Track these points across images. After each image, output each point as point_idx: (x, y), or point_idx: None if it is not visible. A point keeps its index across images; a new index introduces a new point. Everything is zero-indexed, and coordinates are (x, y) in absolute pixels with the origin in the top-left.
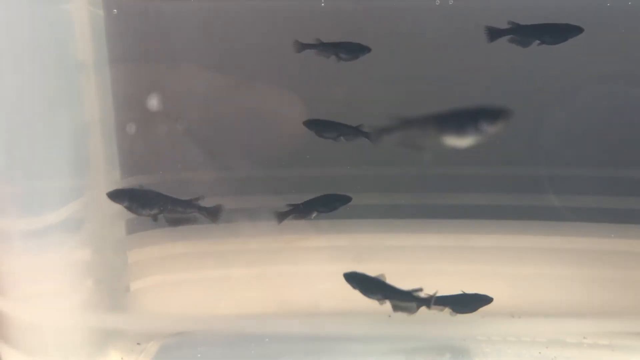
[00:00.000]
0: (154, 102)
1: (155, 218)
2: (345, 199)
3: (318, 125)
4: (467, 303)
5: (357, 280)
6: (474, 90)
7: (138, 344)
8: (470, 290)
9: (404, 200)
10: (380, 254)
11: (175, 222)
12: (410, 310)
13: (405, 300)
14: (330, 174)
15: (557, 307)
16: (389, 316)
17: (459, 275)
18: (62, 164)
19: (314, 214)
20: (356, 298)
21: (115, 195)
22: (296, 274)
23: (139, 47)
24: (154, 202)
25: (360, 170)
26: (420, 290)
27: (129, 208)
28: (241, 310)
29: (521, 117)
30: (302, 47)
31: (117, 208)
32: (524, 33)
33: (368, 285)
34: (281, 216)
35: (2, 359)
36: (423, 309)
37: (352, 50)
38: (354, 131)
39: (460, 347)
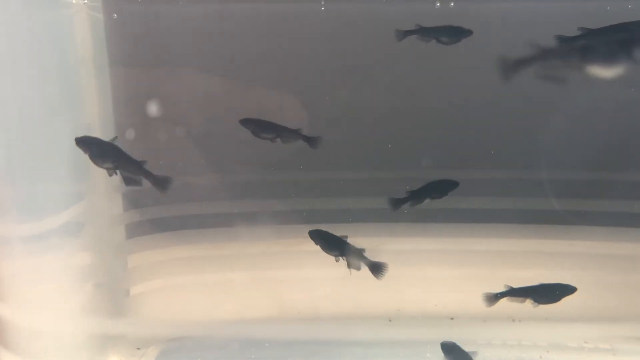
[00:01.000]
0: (153, 106)
1: (110, 173)
2: (455, 184)
3: (255, 125)
4: (549, 293)
5: (319, 236)
6: (471, 93)
7: (138, 348)
8: (468, 293)
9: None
10: (379, 258)
11: (128, 182)
12: (358, 267)
13: (358, 257)
14: (330, 178)
15: (558, 311)
16: (389, 320)
17: (458, 279)
18: (62, 168)
19: (426, 200)
20: (356, 302)
21: (81, 142)
22: (296, 278)
23: (139, 51)
24: (111, 157)
25: (359, 174)
26: (364, 250)
27: (90, 157)
28: (241, 315)
29: (521, 119)
30: (403, 34)
31: (117, 212)
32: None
33: (328, 242)
34: (397, 203)
35: None
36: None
37: (454, 33)
38: (292, 134)
39: None
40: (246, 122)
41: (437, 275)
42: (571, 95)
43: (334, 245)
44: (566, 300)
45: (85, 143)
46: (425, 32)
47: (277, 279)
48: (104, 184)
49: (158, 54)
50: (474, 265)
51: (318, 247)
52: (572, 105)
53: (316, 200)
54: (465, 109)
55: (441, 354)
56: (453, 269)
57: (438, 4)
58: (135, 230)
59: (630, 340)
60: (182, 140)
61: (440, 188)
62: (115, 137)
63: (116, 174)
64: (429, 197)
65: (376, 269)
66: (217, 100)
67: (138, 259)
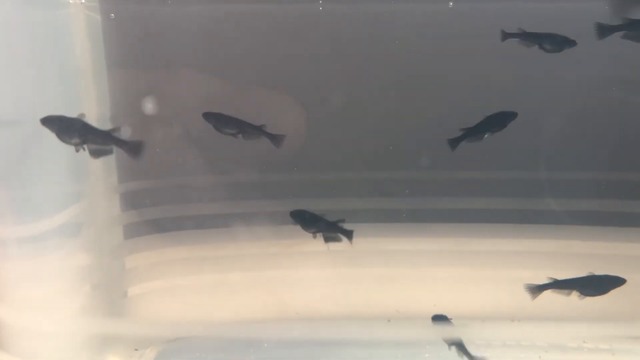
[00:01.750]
0: (151, 106)
1: (77, 148)
2: (513, 115)
3: (218, 120)
4: (597, 285)
5: (299, 216)
6: (472, 94)
7: (136, 349)
8: (467, 293)
9: (401, 204)
10: (378, 258)
11: (96, 154)
12: (337, 239)
13: (332, 230)
14: (328, 179)
15: (556, 312)
16: (388, 321)
17: (457, 280)
18: (60, 169)
19: (486, 135)
20: (355, 303)
21: (46, 121)
22: (295, 279)
23: (137, 52)
24: (77, 131)
25: (357, 174)
26: (343, 220)
27: (57, 135)
28: (240, 316)
29: (520, 120)
30: (506, 36)
31: (115, 213)
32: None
33: (305, 220)
34: (454, 142)
35: None
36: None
37: (558, 42)
38: (256, 130)
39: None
40: (208, 116)
41: (436, 275)
42: (567, 97)
43: (311, 222)
44: (565, 300)
45: (50, 121)
46: (528, 38)
47: (276, 280)
48: (102, 185)
49: (156, 53)
50: (472, 266)
51: (315, 248)
52: (568, 105)
53: (314, 201)
54: (464, 109)
55: (440, 354)
56: (452, 270)
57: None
58: (133, 231)
59: (629, 340)
60: (180, 140)
61: (498, 120)
62: (83, 114)
63: (83, 149)
64: (487, 132)
65: (348, 235)
66: (214, 101)
67: (136, 260)
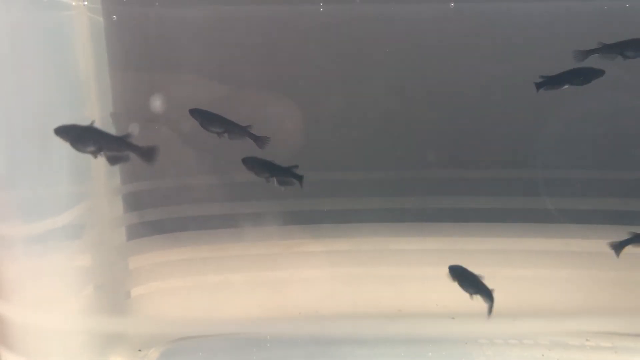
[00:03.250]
0: (154, 107)
1: (95, 155)
2: (600, 72)
3: (203, 117)
4: (580, 76)
5: (251, 162)
6: (471, 93)
7: (139, 350)
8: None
9: (404, 204)
10: (380, 258)
11: (113, 161)
12: (290, 184)
13: (284, 175)
14: (330, 178)
15: (559, 310)
16: (391, 320)
17: None
18: (63, 170)
19: (566, 86)
20: (357, 302)
21: (60, 131)
22: (297, 279)
23: (139, 54)
24: (92, 139)
25: (359, 174)
26: (296, 166)
27: (71, 144)
28: (243, 316)
29: (521, 120)
30: (585, 54)
31: (117, 214)
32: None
33: (258, 166)
34: (537, 86)
35: None
36: None
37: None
38: (241, 130)
39: (462, 350)
40: (195, 113)
41: (438, 274)
42: (567, 96)
43: (263, 168)
44: (567, 298)
45: (64, 131)
46: (609, 49)
47: (278, 280)
48: (105, 186)
49: (158, 55)
50: (474, 265)
51: (318, 248)
52: (568, 104)
53: (316, 201)
54: (465, 109)
55: (443, 352)
56: None
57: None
58: (136, 232)
59: (632, 337)
60: (183, 141)
61: (583, 74)
62: (93, 121)
63: (101, 155)
64: (569, 83)
65: (299, 179)
66: (217, 102)
67: (139, 260)
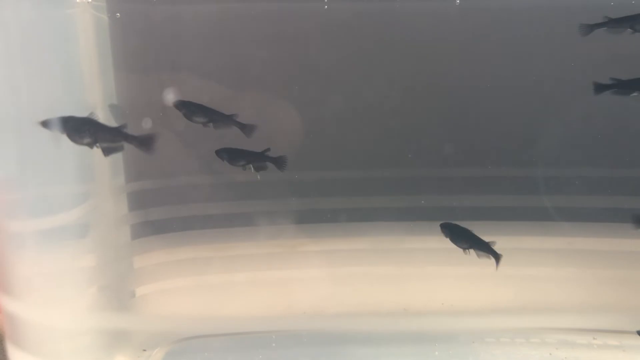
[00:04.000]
0: (158, 106)
1: (91, 146)
2: None
3: (188, 108)
4: None
5: (226, 152)
6: (474, 90)
7: (144, 350)
8: (475, 291)
9: (409, 203)
10: (386, 257)
11: (107, 151)
12: (265, 168)
13: (260, 160)
14: (333, 178)
15: (566, 308)
16: (396, 319)
17: (465, 278)
18: (68, 169)
19: (635, 94)
20: (362, 302)
21: (55, 124)
22: (302, 279)
23: (143, 51)
24: (88, 130)
25: (362, 173)
26: (268, 149)
27: (68, 136)
28: (247, 316)
29: (524, 118)
30: (590, 28)
31: (122, 213)
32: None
33: (233, 155)
34: (599, 88)
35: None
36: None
37: None
38: (226, 119)
39: (468, 349)
40: (178, 105)
41: (444, 273)
42: (568, 95)
43: (238, 156)
44: (574, 297)
45: (60, 123)
46: (616, 23)
47: (283, 279)
48: (110, 185)
49: (162, 52)
50: (479, 264)
51: (321, 247)
52: (570, 103)
53: (320, 201)
54: (470, 108)
55: (449, 351)
56: (460, 268)
57: (458, 2)
58: (141, 231)
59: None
60: (187, 140)
61: None
62: (91, 113)
63: (97, 146)
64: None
65: (276, 162)
66: (221, 99)
67: (144, 260)
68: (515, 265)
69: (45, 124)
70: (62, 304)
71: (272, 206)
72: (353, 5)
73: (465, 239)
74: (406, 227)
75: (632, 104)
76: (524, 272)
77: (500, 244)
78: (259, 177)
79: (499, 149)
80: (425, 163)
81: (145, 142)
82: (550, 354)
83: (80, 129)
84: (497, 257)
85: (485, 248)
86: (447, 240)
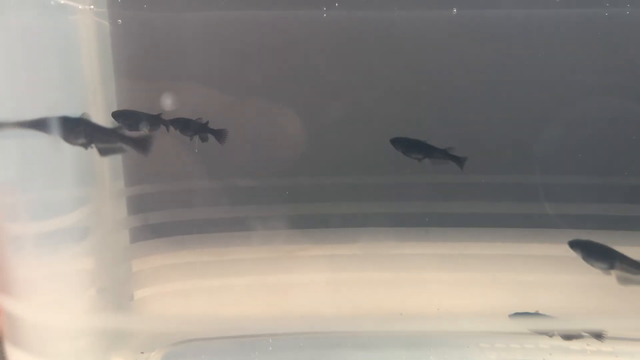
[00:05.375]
0: (158, 111)
1: (85, 147)
2: None
3: (126, 118)
4: None
5: (177, 123)
6: (471, 98)
7: (142, 352)
8: (470, 297)
9: (405, 209)
10: (382, 262)
11: (104, 152)
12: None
13: (204, 132)
14: (331, 183)
15: (560, 314)
16: (392, 324)
17: (460, 283)
18: (67, 172)
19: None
20: (359, 307)
21: (50, 124)
22: (299, 283)
23: (144, 57)
24: (82, 131)
25: (360, 179)
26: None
27: (62, 137)
28: (245, 319)
29: (523, 125)
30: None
31: (121, 217)
32: None
33: (182, 126)
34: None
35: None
36: None
37: None
38: (164, 123)
39: (463, 354)
40: (116, 115)
41: (440, 279)
42: (567, 102)
43: (186, 127)
44: (567, 303)
45: (56, 124)
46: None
47: (281, 284)
48: (109, 189)
49: (163, 59)
50: (475, 270)
51: (321, 252)
52: (568, 110)
53: (317, 206)
54: (466, 115)
55: (444, 357)
56: (455, 273)
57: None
58: (139, 235)
59: (632, 342)
60: (187, 146)
61: None
62: (84, 114)
63: (92, 147)
64: None
65: (216, 134)
66: (220, 107)
67: (142, 263)
68: (510, 271)
69: (35, 123)
70: (61, 306)
71: (271, 211)
72: (352, 14)
73: (419, 150)
74: (402, 233)
75: (629, 112)
76: (518, 278)
77: (495, 250)
78: (196, 150)
79: (498, 155)
80: (421, 169)
81: (141, 144)
82: (544, 359)
83: (76, 129)
84: (459, 160)
85: (442, 155)
86: (443, 245)
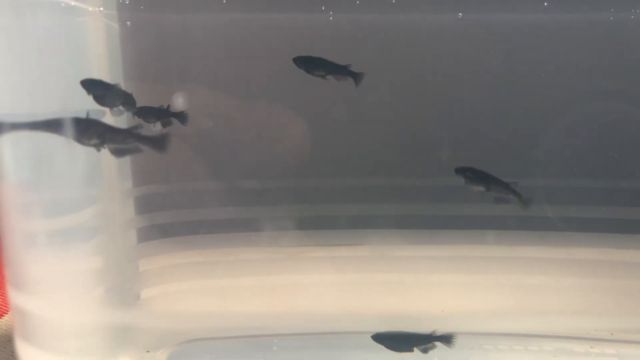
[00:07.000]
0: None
1: (98, 148)
2: None
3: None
4: None
5: (141, 111)
6: (476, 101)
7: (147, 351)
8: (474, 299)
9: (410, 211)
10: (386, 264)
11: (118, 153)
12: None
13: (167, 116)
14: (335, 186)
15: (563, 317)
16: (396, 326)
17: (464, 286)
18: (76, 172)
19: None
20: (363, 308)
21: (62, 124)
22: (304, 284)
23: (153, 59)
24: (95, 132)
25: (365, 181)
26: (169, 106)
27: (75, 138)
28: (250, 319)
29: (525, 128)
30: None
31: (128, 217)
32: None
33: (145, 114)
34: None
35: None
36: None
37: None
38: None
39: (466, 356)
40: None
41: (444, 281)
42: (568, 106)
43: (149, 114)
44: (572, 306)
45: (68, 124)
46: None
47: (286, 284)
48: (117, 189)
49: (172, 61)
50: (479, 272)
51: (325, 254)
52: (570, 114)
53: (323, 207)
54: (470, 118)
55: (448, 358)
56: (459, 275)
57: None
58: (147, 235)
59: (636, 345)
60: (195, 147)
61: None
62: (88, 112)
63: (104, 148)
64: None
65: (179, 117)
66: (228, 109)
67: (149, 263)
68: (515, 273)
69: (48, 124)
70: (70, 303)
71: (277, 212)
72: (358, 17)
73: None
74: (407, 235)
75: (631, 115)
76: (523, 280)
77: (499, 253)
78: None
79: (500, 158)
80: (427, 172)
81: (158, 142)
82: None
83: (89, 130)
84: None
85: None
86: (448, 248)
